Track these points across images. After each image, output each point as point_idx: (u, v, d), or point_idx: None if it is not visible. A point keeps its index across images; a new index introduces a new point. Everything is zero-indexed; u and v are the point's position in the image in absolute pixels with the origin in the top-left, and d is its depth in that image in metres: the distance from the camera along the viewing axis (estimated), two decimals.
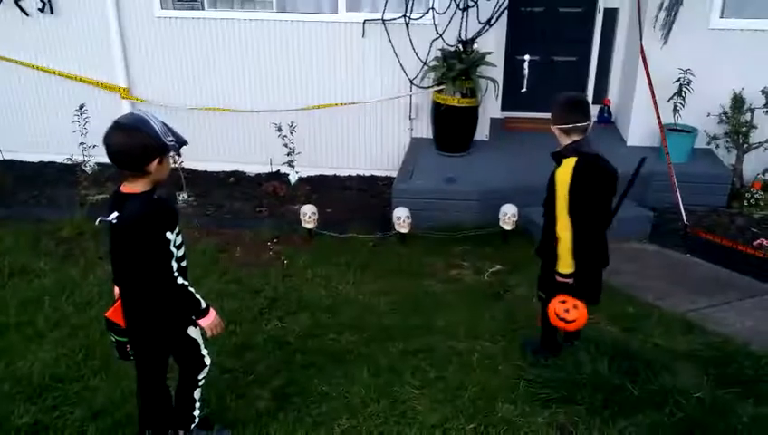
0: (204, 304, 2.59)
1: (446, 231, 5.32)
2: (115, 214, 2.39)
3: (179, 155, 2.52)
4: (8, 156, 6.94)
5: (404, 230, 5.26)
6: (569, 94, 3.30)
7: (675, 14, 5.71)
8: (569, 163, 3.07)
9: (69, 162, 6.38)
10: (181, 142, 2.46)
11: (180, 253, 2.52)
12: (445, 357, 3.67)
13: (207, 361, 2.79)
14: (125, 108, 6.54)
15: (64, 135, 6.37)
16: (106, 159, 2.37)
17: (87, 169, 6.41)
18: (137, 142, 2.34)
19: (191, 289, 2.55)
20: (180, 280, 2.49)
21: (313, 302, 4.34)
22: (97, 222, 2.44)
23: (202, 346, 2.75)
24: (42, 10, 6.43)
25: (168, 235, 2.42)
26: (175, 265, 2.47)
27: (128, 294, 2.57)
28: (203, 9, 6.41)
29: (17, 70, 6.64)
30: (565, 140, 3.13)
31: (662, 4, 5.74)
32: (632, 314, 4.16)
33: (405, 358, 3.66)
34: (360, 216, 5.79)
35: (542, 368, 3.46)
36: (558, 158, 3.16)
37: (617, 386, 3.22)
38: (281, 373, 3.52)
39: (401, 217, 5.26)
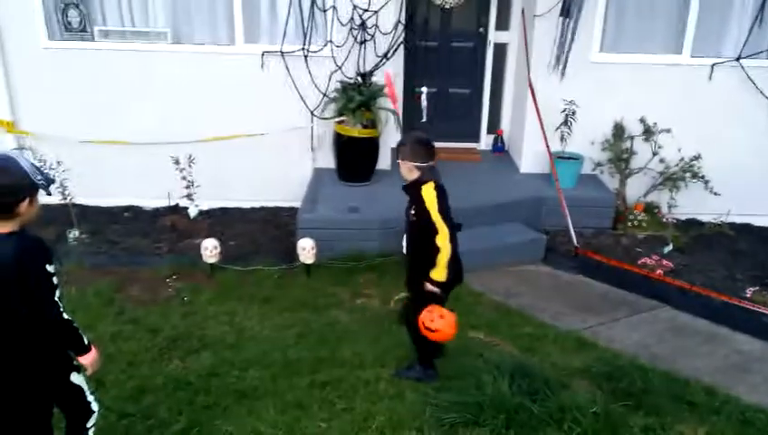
0: (86, 341, 2.53)
1: (350, 260, 5.35)
2: None
3: (49, 194, 2.44)
4: None
5: (309, 261, 5.24)
6: (422, 136, 3.65)
7: (569, 51, 6.10)
8: (430, 185, 3.44)
9: None
10: (49, 181, 2.42)
11: (58, 285, 2.43)
12: (352, 388, 3.67)
13: (95, 407, 2.68)
14: (10, 142, 6.20)
15: None
16: None
17: None
18: (5, 182, 2.30)
19: (75, 325, 2.47)
20: (66, 315, 2.41)
21: (216, 339, 4.24)
22: None
23: (87, 392, 2.64)
24: None
25: (49, 267, 2.35)
26: (58, 299, 2.40)
27: (5, 352, 2.41)
28: (93, 40, 6.21)
29: None
30: (415, 174, 3.47)
31: (555, 39, 6.11)
32: (530, 335, 4.34)
33: (312, 391, 3.64)
34: (265, 248, 5.72)
35: (446, 392, 3.54)
36: (416, 186, 3.47)
37: (518, 405, 3.33)
38: (182, 416, 3.40)
39: (306, 248, 5.24)
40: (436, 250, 3.40)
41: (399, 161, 3.53)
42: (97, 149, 6.21)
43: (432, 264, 3.44)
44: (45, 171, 2.43)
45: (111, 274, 5.14)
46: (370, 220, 5.60)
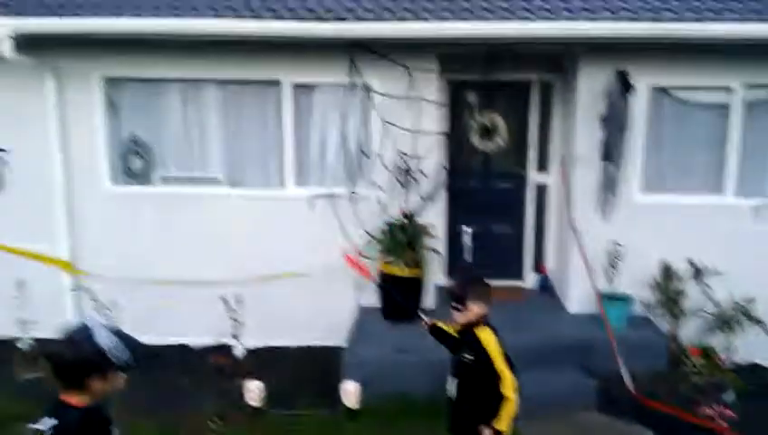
0: None
1: (396, 402, 5.22)
2: (52, 422, 2.20)
3: (126, 374, 2.35)
4: None
5: (353, 404, 5.14)
6: (480, 276, 3.68)
7: (609, 192, 6.21)
8: (487, 329, 3.44)
9: (4, 338, 6.10)
10: (128, 363, 2.30)
11: None
12: None
13: None
14: (67, 282, 6.43)
15: (1, 310, 6.17)
16: (44, 335, 2.31)
17: (23, 346, 6.12)
18: (77, 356, 2.23)
19: None
20: None
21: None
22: (29, 429, 2.21)
23: None
24: None
25: None
26: None
27: None
28: (152, 185, 6.58)
29: None
30: (473, 317, 3.45)
31: (596, 181, 6.24)
32: None
33: None
34: (308, 389, 5.64)
35: None
36: (471, 329, 3.44)
37: None
38: None
39: (350, 391, 5.16)
40: (498, 397, 3.31)
41: (469, 303, 3.43)
42: (151, 287, 6.38)
43: (488, 410, 3.35)
44: (132, 347, 2.32)
45: (155, 416, 5.10)
46: (416, 362, 5.50)
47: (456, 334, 3.66)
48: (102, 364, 2.25)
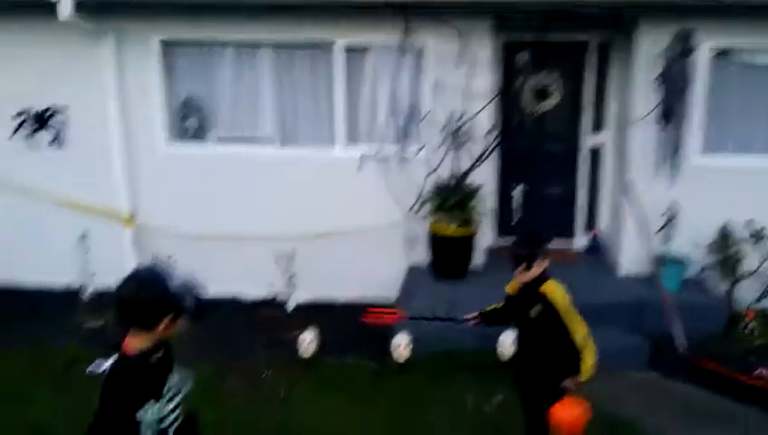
0: None
1: (445, 358, 5.29)
2: (107, 365, 2.25)
3: (194, 319, 2.36)
4: (9, 281, 6.93)
5: (403, 357, 5.23)
6: (542, 235, 3.67)
7: (668, 154, 6.07)
8: (553, 282, 3.45)
9: (68, 289, 6.40)
10: (197, 307, 2.33)
11: (166, 423, 2.32)
12: None
13: None
14: (128, 235, 6.68)
15: (65, 262, 6.46)
16: (105, 286, 2.29)
17: (86, 295, 6.42)
18: (149, 298, 2.23)
19: None
20: None
21: (313, 433, 4.23)
22: (87, 371, 2.30)
23: None
24: (52, 143, 6.71)
25: (144, 413, 2.22)
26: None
27: None
28: (207, 144, 6.74)
29: (24, 197, 6.79)
30: (537, 273, 3.43)
31: (654, 142, 6.11)
32: None
33: None
34: (359, 343, 5.75)
35: None
36: (537, 285, 3.42)
37: None
38: None
39: (400, 344, 5.25)
40: (565, 350, 3.32)
41: (534, 263, 3.40)
42: (207, 242, 6.57)
43: (557, 363, 3.38)
44: (197, 293, 2.33)
45: (212, 362, 5.29)
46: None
47: (512, 294, 3.62)
48: (171, 307, 2.26)
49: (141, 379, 2.25)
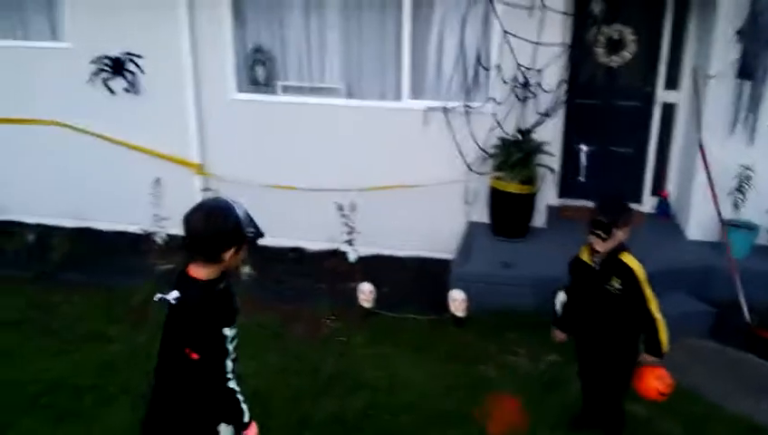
0: (247, 417, 2.42)
1: (501, 316, 5.35)
2: (176, 294, 2.30)
3: (255, 248, 2.45)
4: (84, 224, 7.31)
5: (460, 313, 5.32)
6: (625, 202, 3.59)
7: (746, 114, 5.83)
8: (630, 255, 3.34)
9: (141, 232, 6.73)
10: (260, 235, 2.40)
11: (235, 349, 2.40)
12: None
13: None
14: (197, 183, 6.92)
15: (138, 207, 6.76)
16: (176, 231, 2.35)
17: (158, 239, 6.73)
18: (216, 228, 2.28)
19: (239, 396, 2.39)
20: (232, 384, 2.35)
21: (371, 381, 4.40)
22: (156, 298, 2.35)
23: None
24: (127, 90, 6.94)
25: (226, 331, 2.31)
26: (230, 364, 2.35)
27: (165, 387, 2.41)
28: (275, 94, 6.83)
29: (98, 143, 7.07)
30: (618, 242, 3.34)
31: (731, 101, 5.86)
32: (698, 415, 4.08)
33: None
34: (417, 296, 5.88)
35: None
36: (616, 255, 3.32)
37: None
38: None
39: (457, 299, 5.33)
40: (646, 322, 3.31)
41: (615, 230, 3.28)
42: (270, 193, 6.74)
43: (631, 335, 3.40)
44: (257, 224, 2.40)
45: (276, 310, 5.52)
46: (523, 277, 5.57)
47: (588, 264, 3.48)
48: (238, 236, 2.31)
49: (222, 299, 2.35)
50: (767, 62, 5.67)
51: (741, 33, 5.67)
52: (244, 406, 2.41)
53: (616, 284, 3.31)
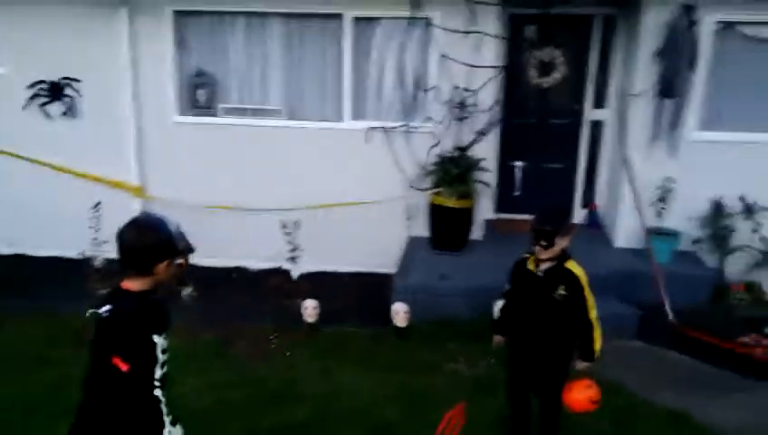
0: (167, 430, 2.41)
1: (440, 325, 5.52)
2: (108, 307, 2.34)
3: (186, 262, 2.53)
4: (22, 250, 7.18)
5: (402, 324, 5.46)
6: (566, 211, 3.66)
7: (666, 129, 6.21)
8: (574, 262, 3.45)
9: (80, 257, 6.65)
10: (191, 250, 2.52)
11: (164, 359, 2.42)
12: None
13: None
14: (137, 206, 6.90)
15: (77, 231, 6.68)
16: (115, 255, 2.37)
17: (98, 263, 6.66)
18: (149, 241, 2.36)
19: (163, 407, 2.41)
20: (158, 392, 2.39)
21: (315, 393, 4.48)
22: (88, 313, 2.39)
23: None
24: (65, 114, 6.90)
25: (156, 338, 2.35)
26: (158, 372, 2.39)
27: (91, 400, 2.43)
28: (216, 116, 6.91)
29: (35, 169, 7.02)
30: (560, 250, 3.42)
31: (652, 118, 6.22)
32: (621, 408, 4.30)
33: None
34: (360, 310, 6.00)
35: None
36: (562, 263, 3.42)
37: None
38: None
39: (399, 312, 5.48)
40: (584, 327, 3.41)
41: (557, 239, 3.34)
42: (213, 214, 6.78)
43: (569, 341, 3.47)
44: (188, 239, 2.49)
45: (219, 328, 5.53)
46: (459, 288, 5.77)
47: (538, 274, 3.48)
48: (170, 249, 2.40)
49: (154, 307, 2.41)
50: (685, 81, 6.06)
51: (660, 54, 6.07)
52: (166, 419, 2.42)
53: (561, 291, 3.40)
